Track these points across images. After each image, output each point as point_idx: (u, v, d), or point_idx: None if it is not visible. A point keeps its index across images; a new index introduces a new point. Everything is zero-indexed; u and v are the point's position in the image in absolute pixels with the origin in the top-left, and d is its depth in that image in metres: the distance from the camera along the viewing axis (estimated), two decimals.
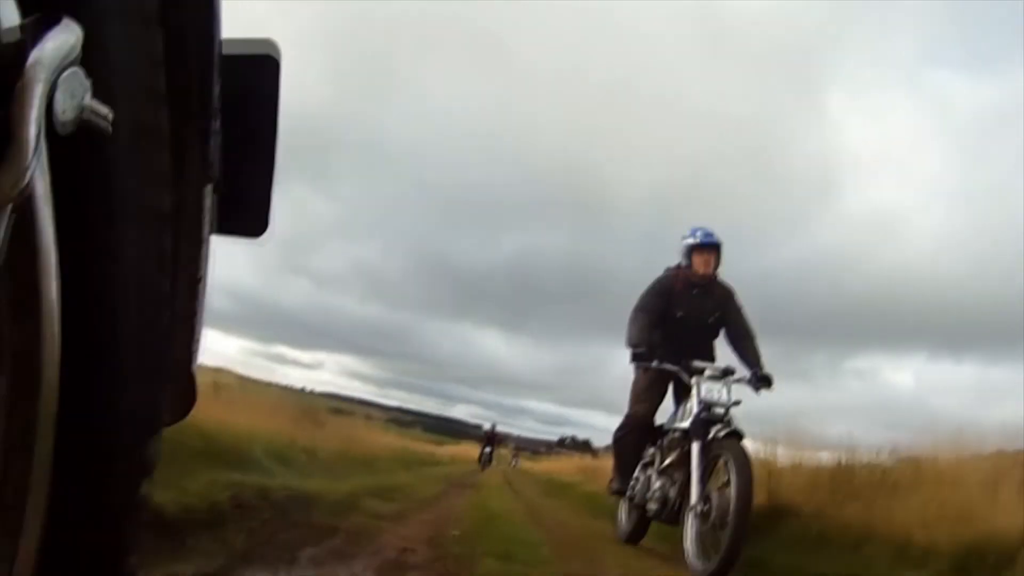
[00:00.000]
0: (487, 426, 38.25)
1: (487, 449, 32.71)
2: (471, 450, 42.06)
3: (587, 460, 24.76)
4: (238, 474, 4.94)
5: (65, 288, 0.61)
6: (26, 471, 0.62)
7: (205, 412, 5.54)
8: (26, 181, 0.51)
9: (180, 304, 0.90)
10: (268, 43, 1.07)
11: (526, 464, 42.76)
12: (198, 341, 0.95)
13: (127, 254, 0.70)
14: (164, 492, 3.25)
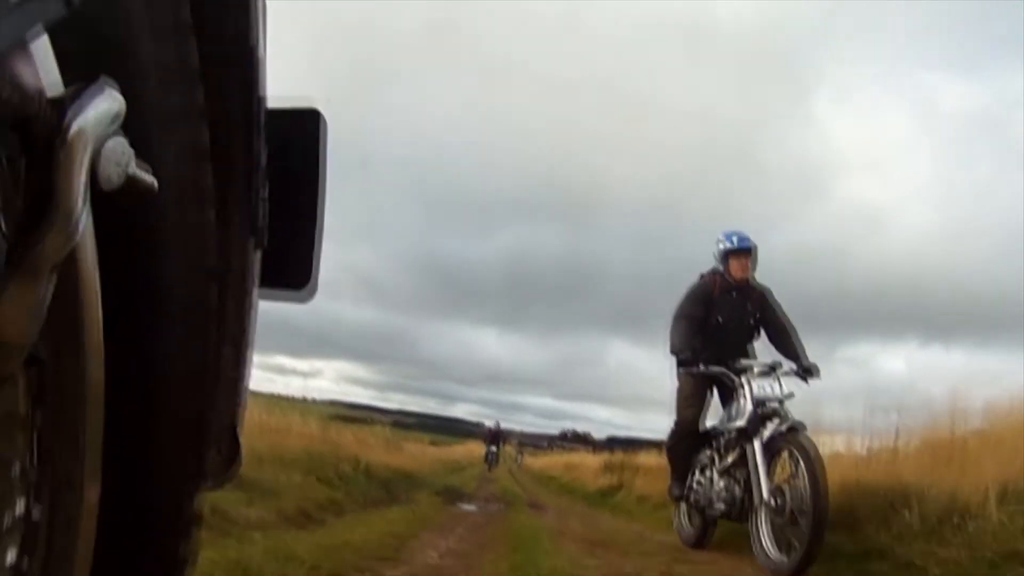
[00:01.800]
0: (491, 424, 35.67)
1: (492, 448, 30.36)
2: (477, 449, 42.08)
3: (572, 457, 32.53)
4: (433, 481, 15.11)
5: (109, 349, 0.62)
6: (72, 528, 0.62)
7: (379, 456, 13.53)
8: (71, 247, 0.52)
9: (225, 366, 0.90)
10: (313, 111, 1.09)
11: (528, 460, 43.10)
12: (244, 404, 0.95)
13: (172, 317, 0.71)
14: (434, 483, 14.27)
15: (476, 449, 42.46)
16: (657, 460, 11.88)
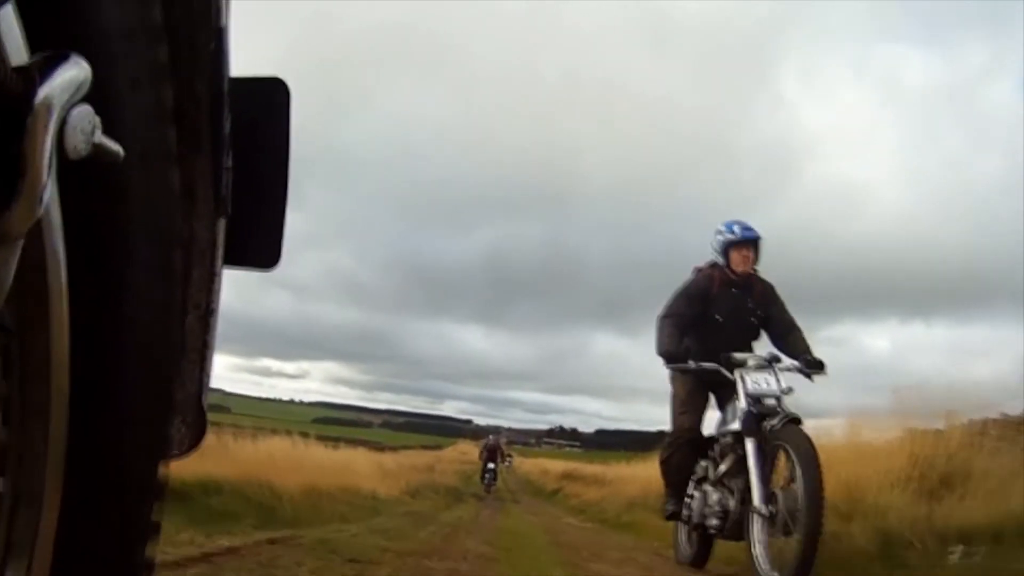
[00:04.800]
0: (490, 437, 30.54)
1: (490, 466, 24.83)
2: (468, 450, 46.10)
3: (548, 463, 42.69)
4: (467, 491, 23.80)
5: (75, 319, 0.62)
6: (37, 495, 0.62)
7: (445, 479, 26.15)
8: (37, 216, 0.52)
9: (191, 336, 0.91)
10: (278, 81, 1.09)
11: (517, 460, 44.06)
12: (209, 373, 0.95)
13: (137, 285, 0.71)
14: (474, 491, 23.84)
15: (468, 450, 46.65)
16: (593, 470, 26.35)
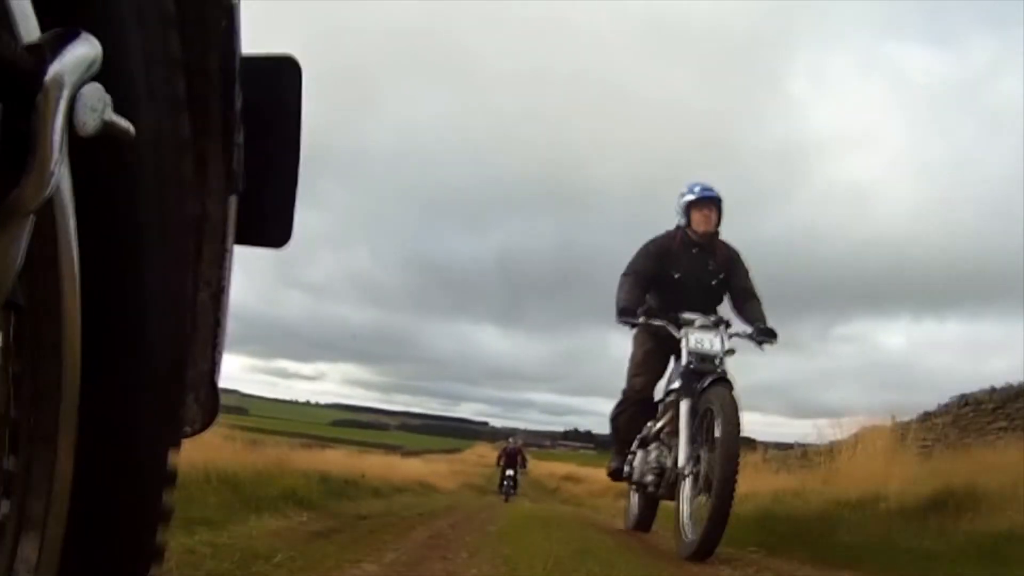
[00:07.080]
0: (509, 440, 28.80)
1: (509, 473, 23.37)
2: (486, 452, 50.38)
3: (556, 466, 47.83)
4: (493, 486, 28.18)
5: (86, 295, 0.62)
6: (48, 476, 0.62)
7: (475, 480, 35.66)
8: (48, 193, 0.52)
9: (203, 314, 0.91)
10: (290, 59, 1.08)
11: (532, 463, 45.38)
12: (221, 352, 0.95)
13: (149, 263, 0.71)
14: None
15: (486, 452, 51.38)
16: (584, 472, 37.96)
